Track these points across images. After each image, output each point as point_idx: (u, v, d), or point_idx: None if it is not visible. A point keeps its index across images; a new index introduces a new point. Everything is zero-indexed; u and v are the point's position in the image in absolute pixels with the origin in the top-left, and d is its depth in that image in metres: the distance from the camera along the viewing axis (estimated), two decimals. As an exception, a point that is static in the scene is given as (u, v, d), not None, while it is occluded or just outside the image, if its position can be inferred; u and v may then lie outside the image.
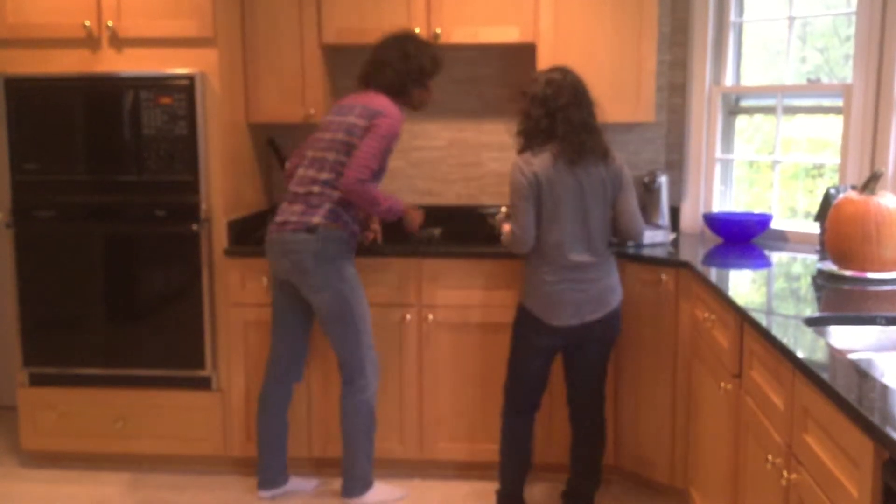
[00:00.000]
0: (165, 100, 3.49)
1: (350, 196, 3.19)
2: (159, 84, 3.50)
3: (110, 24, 3.49)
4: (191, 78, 3.47)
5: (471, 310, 3.55)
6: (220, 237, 3.57)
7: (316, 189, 3.22)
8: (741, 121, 3.96)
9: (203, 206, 3.53)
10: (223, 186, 3.56)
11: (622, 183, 3.07)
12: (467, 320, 3.55)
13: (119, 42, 3.53)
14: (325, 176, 3.22)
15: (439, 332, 3.57)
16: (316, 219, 3.19)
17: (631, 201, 3.10)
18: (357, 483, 3.39)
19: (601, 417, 3.27)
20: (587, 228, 3.01)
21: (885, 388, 1.77)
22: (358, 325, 3.29)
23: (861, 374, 1.87)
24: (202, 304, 3.57)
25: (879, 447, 1.56)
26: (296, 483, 3.52)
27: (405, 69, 3.31)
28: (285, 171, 3.49)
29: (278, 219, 3.27)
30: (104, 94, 3.53)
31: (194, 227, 3.53)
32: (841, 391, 1.73)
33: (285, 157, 3.84)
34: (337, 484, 3.48)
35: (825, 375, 1.83)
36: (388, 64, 3.31)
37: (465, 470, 3.66)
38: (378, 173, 3.23)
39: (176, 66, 3.50)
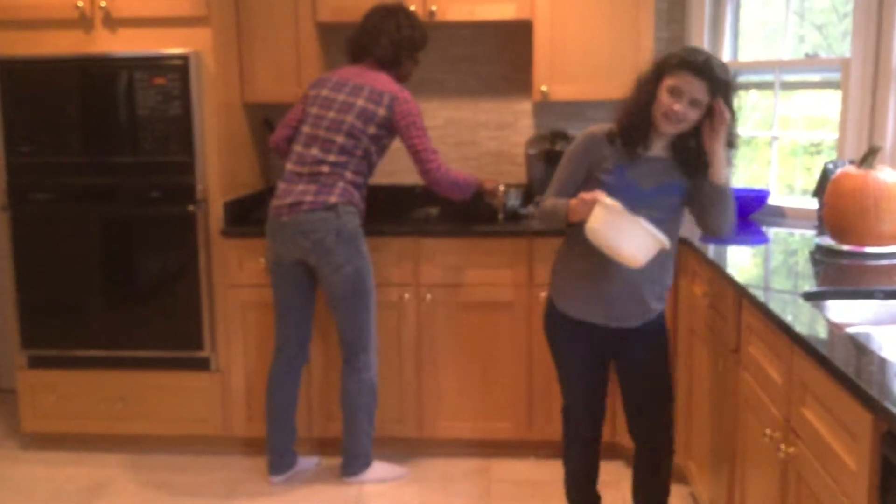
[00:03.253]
0: (160, 80, 3.47)
1: (439, 189, 3.33)
2: (153, 64, 3.47)
3: (103, 4, 3.47)
4: (185, 58, 3.45)
5: (469, 289, 3.55)
6: (216, 218, 3.56)
7: (325, 169, 3.20)
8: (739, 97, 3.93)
9: (199, 187, 3.52)
10: (219, 167, 3.55)
11: None
12: (466, 299, 3.55)
13: (112, 22, 3.50)
14: (333, 158, 3.21)
15: (437, 312, 3.57)
16: (333, 198, 3.18)
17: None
18: (357, 461, 3.40)
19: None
20: None
21: (883, 361, 1.77)
22: (369, 303, 3.31)
23: (859, 347, 1.87)
24: (199, 286, 3.56)
25: (878, 420, 1.56)
26: (301, 463, 3.53)
27: (399, 39, 3.31)
28: (271, 141, 3.46)
29: (288, 200, 3.22)
30: (98, 75, 3.50)
31: (191, 208, 3.52)
32: (839, 365, 1.73)
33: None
34: (336, 462, 3.49)
35: (823, 349, 1.83)
36: (383, 33, 3.30)
37: (465, 448, 3.68)
38: (433, 146, 3.32)
39: (170, 45, 3.48)
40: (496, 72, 4.05)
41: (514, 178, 4.04)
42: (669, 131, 2.49)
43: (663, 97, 2.43)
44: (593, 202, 2.39)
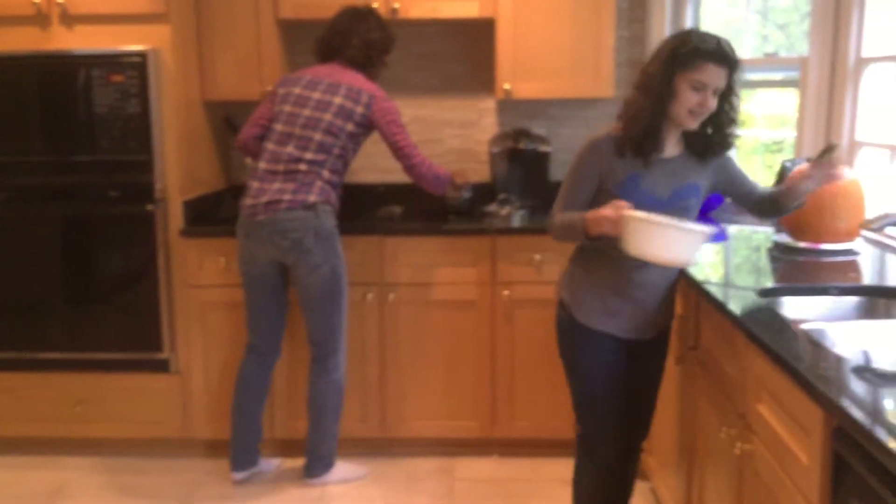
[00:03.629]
0: (118, 77, 3.42)
1: (423, 183, 3.32)
2: (111, 61, 3.42)
3: (60, 0, 3.41)
4: (143, 55, 3.40)
5: (432, 287, 3.54)
6: (176, 217, 3.52)
7: (303, 167, 3.18)
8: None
9: (158, 186, 3.47)
10: (178, 165, 3.51)
11: None
12: (429, 298, 3.54)
13: (69, 19, 3.45)
14: (310, 156, 3.18)
15: (401, 311, 3.55)
16: (312, 196, 3.16)
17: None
18: (322, 463, 3.38)
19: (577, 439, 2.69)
20: None
21: (835, 357, 1.79)
22: (342, 304, 3.29)
23: (813, 343, 1.89)
24: (158, 286, 3.52)
25: (829, 415, 1.58)
26: (262, 464, 3.50)
27: (370, 41, 3.32)
28: (238, 140, 3.42)
29: (264, 199, 3.17)
30: (55, 72, 3.45)
31: (149, 207, 3.47)
32: (791, 361, 1.74)
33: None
34: (298, 464, 3.46)
35: (776, 346, 1.84)
36: (355, 34, 3.30)
37: (429, 447, 3.67)
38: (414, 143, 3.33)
39: (128, 43, 3.43)
40: (460, 70, 4.04)
41: (479, 175, 4.03)
42: (693, 127, 2.34)
43: (686, 94, 2.26)
44: (618, 218, 2.20)
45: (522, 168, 3.90)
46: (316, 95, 3.23)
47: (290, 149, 3.20)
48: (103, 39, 3.43)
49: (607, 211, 2.24)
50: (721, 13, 3.96)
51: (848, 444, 1.49)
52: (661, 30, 3.84)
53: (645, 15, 3.90)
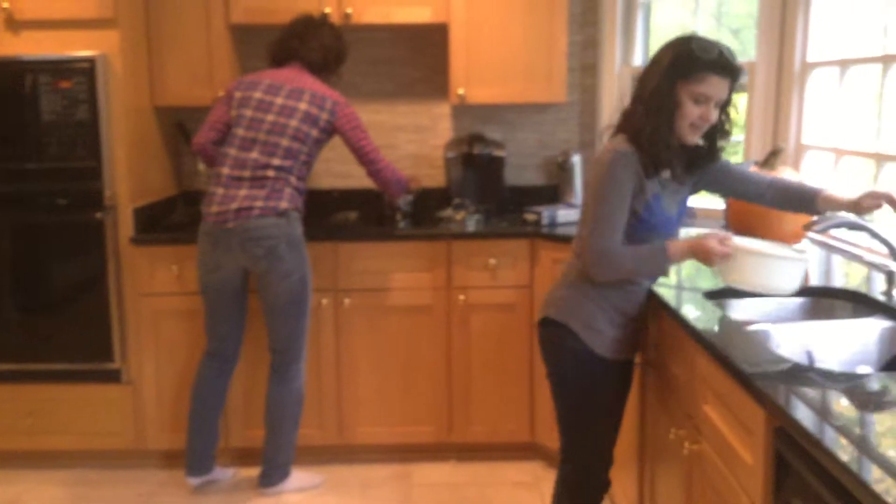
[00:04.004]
0: (65, 84, 3.37)
1: (388, 188, 3.37)
2: (59, 67, 3.37)
3: (6, 5, 3.35)
4: (91, 61, 3.35)
5: (388, 293, 3.53)
6: (126, 225, 3.47)
7: (271, 173, 3.15)
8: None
9: (107, 193, 3.42)
10: (128, 172, 3.46)
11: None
12: (384, 303, 3.53)
13: (16, 24, 3.39)
14: (278, 162, 3.16)
15: (356, 316, 3.54)
16: (284, 203, 3.15)
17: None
18: (278, 472, 3.35)
19: (561, 475, 2.51)
20: None
21: (777, 357, 1.82)
22: (307, 311, 3.29)
23: (757, 344, 1.92)
24: (109, 295, 3.46)
25: (771, 415, 1.60)
26: (217, 472, 3.46)
27: (328, 46, 3.33)
28: (194, 144, 3.35)
29: (233, 206, 3.12)
30: (1, 78, 3.38)
31: (98, 215, 3.42)
32: (735, 362, 1.76)
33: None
34: (254, 472, 3.43)
35: (721, 347, 1.86)
36: (313, 38, 3.31)
37: (386, 453, 3.66)
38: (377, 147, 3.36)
39: (76, 48, 3.38)
40: (414, 75, 4.04)
41: (434, 181, 4.03)
42: (693, 142, 2.22)
43: (688, 107, 2.15)
44: (729, 252, 2.10)
45: (477, 173, 3.92)
46: (279, 101, 3.20)
47: (255, 154, 3.16)
48: (51, 45, 3.38)
49: (715, 245, 2.11)
50: (673, 18, 4.01)
51: (789, 443, 1.52)
52: (612, 34, 3.88)
53: (597, 19, 3.94)
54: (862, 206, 2.22)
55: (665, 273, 2.24)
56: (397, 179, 3.36)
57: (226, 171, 3.19)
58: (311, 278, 3.28)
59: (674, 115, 2.16)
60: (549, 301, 2.40)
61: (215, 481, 3.44)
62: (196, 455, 3.37)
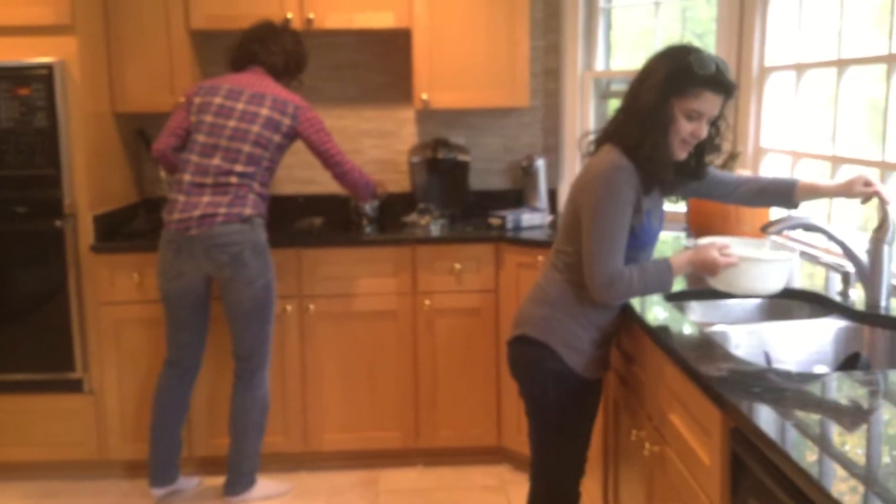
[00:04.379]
0: (23, 91, 3.33)
1: (355, 191, 3.36)
2: (16, 74, 3.32)
3: (-39, 11, 3.30)
4: (49, 67, 3.31)
5: (352, 298, 3.52)
6: (86, 233, 3.43)
7: (234, 180, 3.12)
8: (615, 104, 4.04)
9: (67, 201, 3.38)
10: (88, 180, 3.42)
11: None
12: (349, 309, 3.52)
13: (-28, 31, 3.34)
14: (241, 168, 3.13)
15: (321, 323, 3.53)
16: (248, 210, 3.12)
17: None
18: (243, 480, 3.32)
19: (535, 493, 2.44)
20: None
21: (734, 358, 1.84)
22: (271, 318, 3.27)
23: (713, 346, 1.94)
24: (69, 304, 3.41)
25: (727, 416, 1.62)
26: (181, 482, 3.42)
27: (290, 50, 3.32)
28: (154, 150, 3.31)
29: (196, 213, 3.09)
30: (-43, 86, 3.33)
31: (58, 223, 3.38)
32: (693, 363, 1.78)
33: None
34: (218, 481, 3.40)
35: (679, 349, 1.88)
36: (275, 42, 3.29)
37: (352, 459, 3.64)
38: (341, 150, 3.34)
39: (34, 55, 3.33)
40: (378, 80, 4.04)
41: (399, 186, 4.03)
42: (682, 157, 2.16)
43: (681, 122, 2.08)
44: (733, 263, 2.08)
45: (442, 177, 3.92)
46: (240, 106, 3.18)
47: (217, 161, 3.14)
48: (7, 52, 3.33)
49: (718, 256, 2.09)
50: (635, 22, 4.04)
51: (745, 444, 1.53)
52: (574, 39, 3.91)
53: (559, 24, 3.96)
54: (854, 190, 2.21)
55: (670, 289, 2.17)
56: (365, 182, 3.36)
57: (187, 177, 3.15)
58: (275, 285, 3.26)
59: (667, 131, 2.09)
60: (525, 319, 2.30)
61: (180, 491, 3.41)
62: (159, 465, 3.33)
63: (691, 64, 2.05)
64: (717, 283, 2.14)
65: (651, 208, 2.21)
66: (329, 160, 3.27)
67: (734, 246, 2.15)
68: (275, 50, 3.29)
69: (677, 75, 2.06)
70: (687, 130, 2.09)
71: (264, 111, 3.18)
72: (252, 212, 3.14)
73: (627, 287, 2.11)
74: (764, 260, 2.12)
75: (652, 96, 2.08)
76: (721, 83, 2.07)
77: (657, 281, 2.13)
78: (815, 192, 2.32)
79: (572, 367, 2.23)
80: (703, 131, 2.11)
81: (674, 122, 2.08)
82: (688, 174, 2.24)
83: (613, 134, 2.18)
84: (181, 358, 3.29)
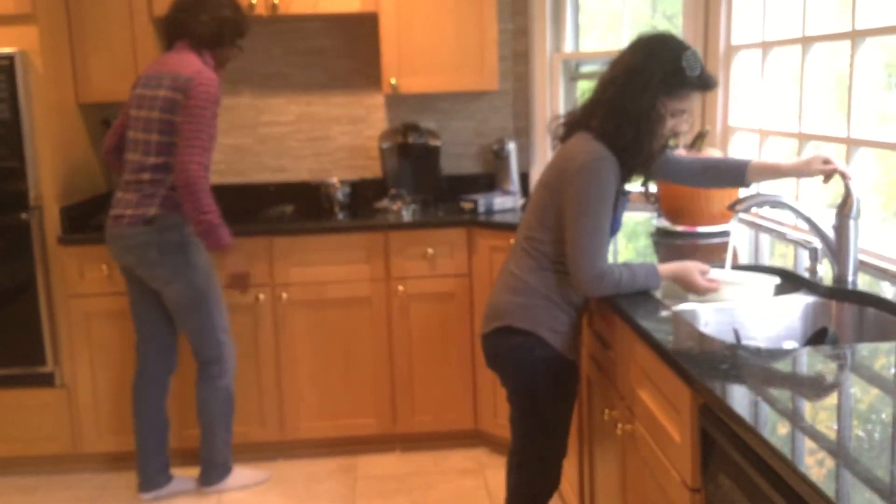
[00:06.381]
0: (-17, 82, 3.27)
1: (187, 193, 2.91)
2: (-24, 65, 3.27)
3: (-82, 2, 3.23)
4: (10, 58, 3.26)
5: (326, 286, 3.51)
6: (53, 225, 3.38)
7: (146, 176, 3.03)
8: (584, 86, 4.04)
9: (32, 194, 3.34)
10: (54, 171, 3.37)
11: None
12: (323, 296, 3.51)
13: (-71, 22, 3.27)
14: (153, 160, 3.02)
15: (294, 311, 3.51)
16: (152, 210, 3.02)
17: None
18: (216, 470, 3.31)
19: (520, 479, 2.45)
20: None
21: (702, 336, 1.85)
22: (213, 313, 3.17)
23: (683, 324, 1.95)
24: (38, 297, 3.38)
25: (696, 394, 1.63)
26: (178, 484, 3.35)
27: (221, 18, 3.06)
28: (102, 148, 3.28)
29: (113, 212, 3.08)
30: (-86, 78, 3.27)
31: (24, 215, 3.33)
32: (661, 341, 1.79)
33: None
34: (194, 472, 3.37)
35: (649, 328, 1.89)
36: (203, 10, 3.04)
37: (330, 446, 3.64)
38: (209, 145, 2.98)
39: (-7, 45, 3.28)
40: (347, 65, 4.01)
41: (370, 171, 4.02)
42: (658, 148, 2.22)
43: (667, 121, 2.15)
44: (714, 290, 2.16)
45: (413, 163, 3.91)
46: (149, 93, 3.02)
47: (137, 156, 3.05)
48: (-34, 43, 3.28)
49: (700, 281, 2.16)
50: (603, 3, 4.03)
51: (714, 421, 1.55)
52: (542, 21, 3.90)
53: (527, 7, 3.95)
54: (812, 168, 2.24)
55: (655, 291, 2.20)
56: (204, 201, 2.90)
57: (123, 175, 3.13)
58: (207, 280, 3.11)
59: (656, 130, 2.13)
60: (504, 309, 2.29)
61: (176, 493, 3.34)
62: (143, 468, 3.28)
63: (685, 68, 2.08)
64: (696, 297, 2.22)
65: (622, 198, 2.24)
66: (182, 141, 2.91)
67: (714, 272, 2.21)
68: (204, 19, 3.04)
69: (672, 79, 2.09)
70: (673, 126, 2.16)
71: (161, 92, 2.98)
72: (159, 211, 3.01)
73: (616, 285, 2.14)
74: (744, 283, 2.19)
75: (646, 98, 2.10)
76: (708, 84, 2.13)
77: (645, 284, 2.17)
78: (771, 172, 2.36)
79: (559, 350, 2.26)
80: (684, 126, 2.17)
81: (662, 122, 2.13)
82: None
83: (591, 123, 2.18)
84: (142, 355, 3.27)
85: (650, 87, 2.09)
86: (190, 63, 3.00)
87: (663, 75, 2.09)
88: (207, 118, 2.94)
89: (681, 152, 2.77)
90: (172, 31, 3.12)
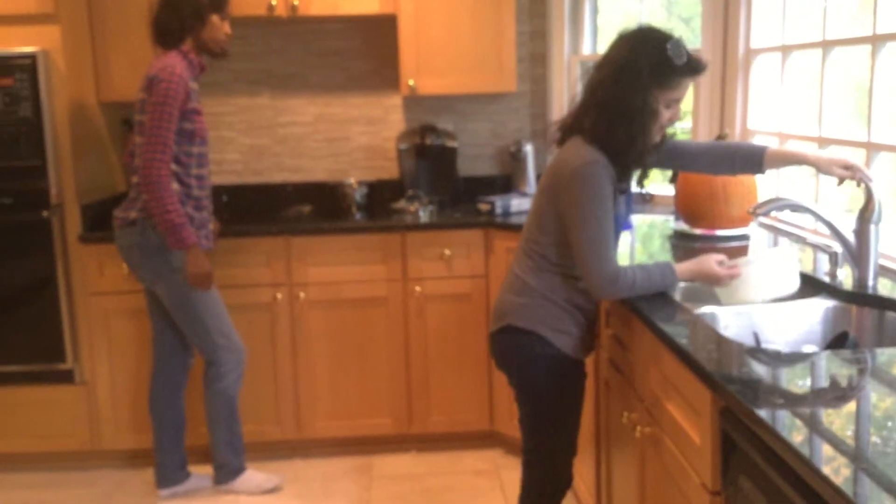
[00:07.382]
0: (6, 81, 3.30)
1: (147, 191, 2.90)
2: (-1, 64, 3.30)
3: (-58, 2, 3.27)
4: (32, 57, 3.29)
5: (343, 286, 3.52)
6: (73, 223, 3.42)
7: (135, 179, 3.08)
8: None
9: (53, 192, 3.37)
10: (74, 170, 3.40)
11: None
12: (340, 296, 3.52)
13: (-47, 21, 3.31)
14: (138, 162, 3.03)
15: (312, 310, 3.53)
16: (133, 213, 3.05)
17: None
18: (223, 470, 3.31)
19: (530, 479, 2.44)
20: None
21: (723, 339, 1.85)
22: (201, 314, 3.13)
23: (703, 327, 1.95)
24: (59, 295, 3.41)
25: (717, 396, 1.63)
26: (196, 481, 3.37)
27: (173, 11, 2.99)
28: (125, 151, 3.33)
29: (114, 212, 3.17)
30: (-61, 76, 3.30)
31: (45, 213, 3.36)
32: (682, 345, 1.79)
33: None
34: (210, 470, 3.40)
35: (669, 330, 1.89)
36: (155, 14, 3.02)
37: (346, 446, 3.65)
38: (173, 142, 2.93)
39: (16, 44, 3.30)
40: (365, 66, 4.02)
41: (387, 172, 4.03)
42: (657, 141, 2.21)
43: (662, 113, 2.14)
44: (736, 274, 2.13)
45: (430, 164, 3.92)
46: (139, 96, 3.04)
47: (134, 159, 3.09)
48: (-10, 42, 3.31)
49: (717, 269, 2.14)
50: (621, 6, 4.03)
51: (735, 424, 1.55)
52: (560, 23, 3.90)
53: (545, 9, 3.95)
54: (832, 170, 2.19)
55: (673, 290, 2.20)
56: (158, 197, 2.88)
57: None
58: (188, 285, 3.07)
59: (651, 124, 2.12)
60: (506, 309, 2.31)
61: (194, 490, 3.36)
62: (160, 464, 3.31)
63: (672, 57, 2.06)
64: (727, 298, 2.17)
65: (618, 200, 2.23)
66: (144, 141, 2.90)
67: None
68: (158, 24, 3.00)
69: (660, 69, 2.07)
70: (666, 118, 2.14)
71: (141, 95, 3.01)
72: (139, 214, 3.02)
73: (631, 286, 2.14)
74: (764, 259, 2.14)
75: (638, 94, 2.08)
76: (697, 69, 2.11)
77: (661, 283, 2.16)
78: (788, 159, 2.32)
79: (561, 348, 2.26)
80: (680, 113, 2.16)
81: (656, 114, 2.11)
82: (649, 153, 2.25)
83: (584, 127, 2.17)
84: (157, 351, 3.29)
85: (640, 83, 2.08)
86: (162, 61, 2.97)
87: (651, 68, 2.07)
88: (167, 114, 2.90)
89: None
90: (152, 42, 3.09)
